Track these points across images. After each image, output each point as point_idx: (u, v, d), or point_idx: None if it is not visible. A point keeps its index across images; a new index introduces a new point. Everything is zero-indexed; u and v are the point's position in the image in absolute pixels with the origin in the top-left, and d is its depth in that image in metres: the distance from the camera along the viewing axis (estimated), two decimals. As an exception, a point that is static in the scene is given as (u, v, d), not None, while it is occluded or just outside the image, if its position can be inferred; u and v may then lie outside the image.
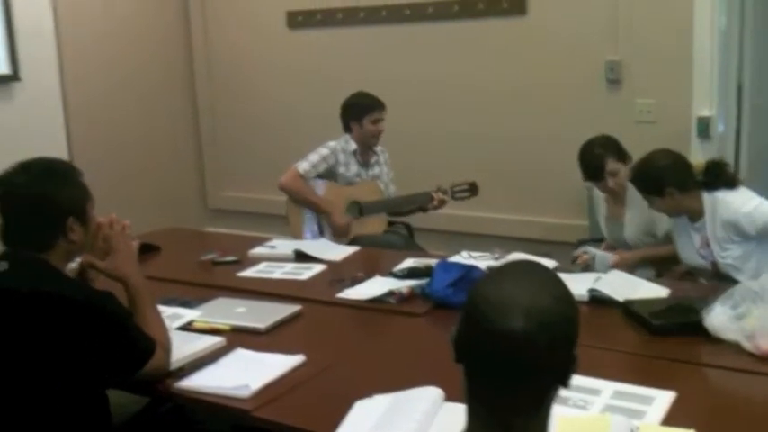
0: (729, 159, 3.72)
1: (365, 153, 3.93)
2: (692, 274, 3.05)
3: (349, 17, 5.08)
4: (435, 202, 3.83)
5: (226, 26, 5.64)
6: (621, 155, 3.20)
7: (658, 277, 3.00)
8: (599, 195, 3.41)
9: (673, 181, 2.83)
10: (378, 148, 3.98)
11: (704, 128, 4.02)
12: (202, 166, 5.97)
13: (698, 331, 2.15)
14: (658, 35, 4.14)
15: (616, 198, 3.29)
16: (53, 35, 4.81)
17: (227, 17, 5.62)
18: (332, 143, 3.88)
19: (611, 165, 3.15)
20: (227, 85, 5.71)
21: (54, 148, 4.54)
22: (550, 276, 1.19)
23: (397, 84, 4.71)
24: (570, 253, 3.10)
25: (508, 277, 1.17)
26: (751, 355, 2.03)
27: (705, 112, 4.03)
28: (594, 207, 3.52)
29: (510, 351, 1.09)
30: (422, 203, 3.87)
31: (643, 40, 4.19)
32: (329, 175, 3.85)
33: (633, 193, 3.13)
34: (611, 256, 3.06)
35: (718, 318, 2.14)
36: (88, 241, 1.98)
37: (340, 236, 3.74)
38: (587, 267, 2.91)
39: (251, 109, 5.62)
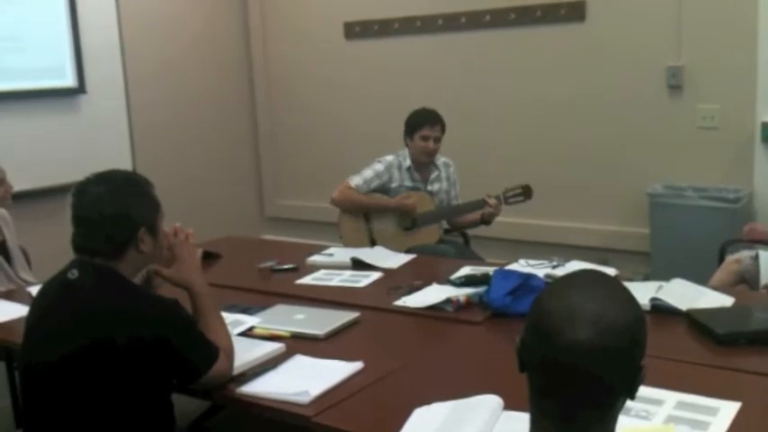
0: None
1: (422, 169, 3.81)
2: None
3: (405, 27, 5.12)
4: (490, 209, 3.70)
5: (284, 39, 5.73)
6: None
7: None
8: None
9: None
10: (441, 162, 3.85)
11: (770, 134, 3.93)
12: (260, 175, 6.06)
13: (765, 341, 2.11)
14: (722, 39, 4.07)
15: None
16: (119, 50, 4.97)
17: (286, 30, 5.71)
18: (389, 157, 3.79)
19: None
20: (285, 95, 5.79)
21: (119, 158, 4.69)
22: (618, 286, 1.17)
23: (453, 92, 4.72)
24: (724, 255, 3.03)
25: (575, 287, 1.15)
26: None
27: (770, 118, 3.94)
28: None
29: (576, 362, 1.08)
30: (475, 211, 3.76)
31: (706, 45, 4.12)
32: (382, 190, 3.77)
33: None
34: None
35: (786, 328, 2.10)
36: (157, 252, 2.01)
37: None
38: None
39: (308, 118, 5.69)
